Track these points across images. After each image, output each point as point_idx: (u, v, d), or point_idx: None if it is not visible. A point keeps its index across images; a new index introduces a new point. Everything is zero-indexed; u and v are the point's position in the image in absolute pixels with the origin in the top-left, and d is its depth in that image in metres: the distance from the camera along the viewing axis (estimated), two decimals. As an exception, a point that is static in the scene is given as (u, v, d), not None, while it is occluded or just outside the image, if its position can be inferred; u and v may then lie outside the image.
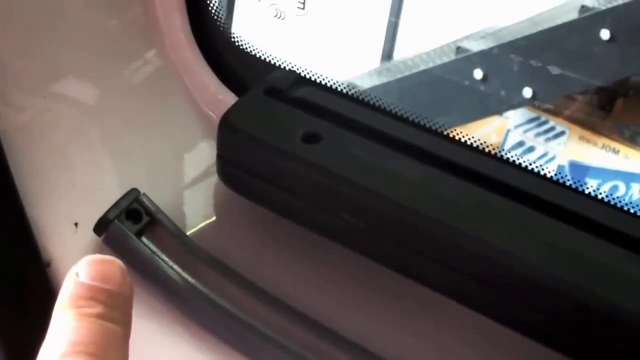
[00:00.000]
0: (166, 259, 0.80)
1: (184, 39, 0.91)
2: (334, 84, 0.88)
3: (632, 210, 0.75)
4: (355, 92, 0.86)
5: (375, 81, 2.16)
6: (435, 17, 2.30)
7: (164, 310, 0.79)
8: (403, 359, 0.75)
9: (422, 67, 2.16)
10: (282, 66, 0.91)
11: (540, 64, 2.08)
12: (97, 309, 0.52)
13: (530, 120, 2.25)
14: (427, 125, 0.85)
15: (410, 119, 0.86)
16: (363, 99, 0.86)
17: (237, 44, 0.93)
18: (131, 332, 0.55)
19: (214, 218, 0.88)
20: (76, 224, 0.83)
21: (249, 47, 0.93)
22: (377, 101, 0.86)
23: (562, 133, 2.22)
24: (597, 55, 2.03)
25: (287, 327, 0.76)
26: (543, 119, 2.26)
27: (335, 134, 0.79)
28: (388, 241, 0.75)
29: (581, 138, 2.21)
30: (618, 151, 2.18)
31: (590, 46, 2.03)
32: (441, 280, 0.75)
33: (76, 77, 0.89)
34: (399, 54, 2.33)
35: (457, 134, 0.83)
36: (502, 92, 2.11)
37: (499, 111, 2.22)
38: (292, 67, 0.90)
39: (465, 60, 2.13)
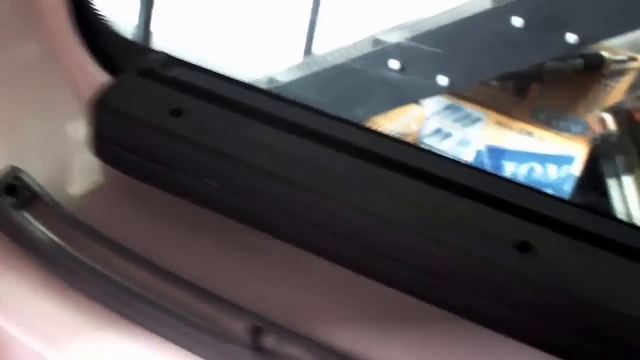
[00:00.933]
0: (46, 231, 0.84)
1: (62, 23, 0.93)
2: (204, 65, 0.92)
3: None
4: (224, 71, 0.91)
5: (295, 75, 2.20)
6: (355, 13, 2.35)
7: (46, 280, 0.83)
8: (260, 306, 0.79)
9: (341, 60, 2.20)
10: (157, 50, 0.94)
11: (454, 53, 2.13)
12: None
13: (447, 108, 2.29)
14: (295, 100, 0.89)
15: (278, 95, 0.91)
16: (231, 77, 0.91)
17: (114, 30, 0.97)
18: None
19: (91, 190, 0.92)
20: None
21: (125, 33, 0.97)
22: (246, 79, 0.93)
23: (478, 119, 2.27)
24: (510, 42, 2.09)
25: (163, 288, 0.80)
26: (459, 106, 2.30)
27: (201, 108, 0.84)
28: (249, 202, 0.81)
29: (497, 123, 2.26)
30: (533, 134, 2.24)
31: (503, 34, 2.08)
32: (290, 231, 0.81)
33: None
34: (320, 49, 2.38)
35: (321, 108, 0.88)
36: (418, 81, 2.16)
37: (416, 99, 2.27)
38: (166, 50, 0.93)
39: (381, 51, 2.17)
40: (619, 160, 2.19)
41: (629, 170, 2.19)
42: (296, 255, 0.81)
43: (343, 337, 0.77)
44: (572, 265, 0.72)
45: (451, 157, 0.82)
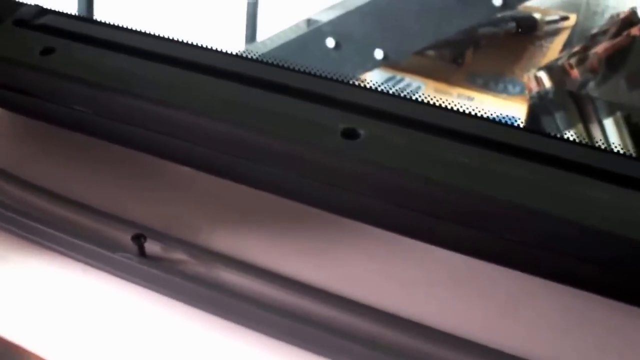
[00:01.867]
0: None
1: None
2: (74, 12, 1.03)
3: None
4: (90, 17, 0.99)
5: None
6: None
7: None
8: (143, 217, 0.88)
9: (279, 44, 2.26)
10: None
11: (386, 25, 2.18)
12: None
13: (387, 80, 2.35)
14: (154, 34, 0.97)
15: (139, 30, 0.97)
16: (97, 20, 1.00)
17: None
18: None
19: None
20: None
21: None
22: (106, 21, 0.99)
23: (418, 88, 2.32)
24: (437, 9, 2.14)
25: (46, 206, 0.90)
26: (399, 77, 2.36)
27: (67, 47, 0.94)
28: (113, 122, 0.90)
29: (436, 90, 2.31)
30: (473, 98, 2.29)
31: (431, 1, 2.14)
32: (158, 146, 0.90)
33: None
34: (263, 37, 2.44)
35: (180, 39, 0.95)
36: (355, 57, 2.21)
37: (355, 75, 2.31)
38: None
39: (316, 31, 2.24)
40: (559, 116, 2.23)
41: (571, 126, 2.23)
42: (170, 167, 0.91)
43: (219, 240, 0.85)
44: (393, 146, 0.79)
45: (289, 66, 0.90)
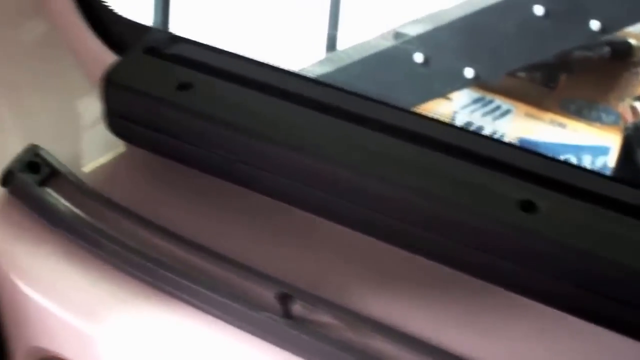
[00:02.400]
0: (67, 203, 0.86)
1: (67, 6, 0.96)
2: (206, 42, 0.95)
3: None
4: (225, 48, 0.93)
5: (318, 72, 2.18)
6: (376, 6, 2.33)
7: (74, 253, 0.86)
8: (288, 274, 0.81)
9: (363, 55, 2.18)
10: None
11: (478, 44, 2.11)
12: None
13: (476, 101, 2.28)
14: (298, 73, 0.90)
15: (280, 68, 0.91)
16: (233, 52, 0.92)
17: (114, 10, 0.99)
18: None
19: (106, 164, 0.94)
20: None
21: (125, 13, 0.99)
22: (244, 54, 0.93)
23: (508, 111, 2.26)
24: (533, 31, 2.06)
25: (177, 252, 0.83)
26: (488, 98, 2.29)
27: (206, 81, 0.87)
28: (257, 170, 0.83)
29: (527, 114, 2.25)
30: (565, 125, 2.21)
31: (525, 23, 2.06)
32: (303, 198, 0.82)
33: None
34: (343, 45, 2.36)
35: (323, 79, 0.89)
36: (444, 75, 2.14)
37: (443, 93, 2.25)
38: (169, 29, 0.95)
39: (404, 45, 2.16)
40: (655, 148, 2.14)
41: (668, 160, 2.15)
42: (320, 223, 0.83)
43: (371, 303, 0.79)
44: (573, 222, 0.74)
45: (459, 126, 0.84)
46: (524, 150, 0.82)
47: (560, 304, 0.74)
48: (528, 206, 0.73)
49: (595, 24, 2.01)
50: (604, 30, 2.04)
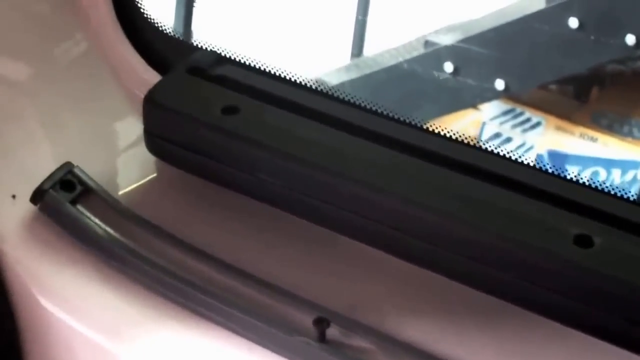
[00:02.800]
0: (99, 222, 0.85)
1: (109, 22, 0.96)
2: (252, 62, 0.93)
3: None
4: (273, 69, 0.91)
5: (344, 78, 2.15)
6: (404, 13, 2.29)
7: (105, 273, 0.84)
8: (324, 298, 0.79)
9: (392, 63, 2.14)
10: (203, 47, 0.94)
11: (510, 55, 2.07)
12: None
13: (506, 112, 2.25)
14: (348, 99, 0.89)
15: (329, 93, 0.90)
16: (280, 74, 0.91)
17: (160, 28, 0.98)
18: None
19: (143, 184, 0.93)
20: (14, 196, 0.88)
21: (170, 30, 0.98)
22: (296, 78, 0.91)
23: (538, 124, 2.22)
24: (567, 44, 2.03)
25: (212, 274, 0.81)
26: (518, 110, 2.26)
27: (252, 106, 0.85)
28: (302, 196, 0.82)
29: (558, 128, 2.21)
30: (597, 139, 2.18)
31: (559, 35, 2.03)
32: (344, 224, 0.81)
33: (8, 56, 0.95)
34: (368, 51, 2.33)
35: (373, 106, 0.88)
36: (474, 85, 2.10)
37: (472, 104, 2.22)
38: (213, 48, 0.94)
39: (434, 54, 2.13)
40: (687, 166, 2.12)
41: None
42: (357, 247, 0.82)
43: (407, 328, 0.77)
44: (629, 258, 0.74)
45: (514, 158, 0.82)
46: (575, 182, 0.80)
47: (617, 340, 0.73)
48: (583, 241, 0.73)
49: (630, 39, 1.98)
50: (638, 45, 2.00)
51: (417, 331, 0.77)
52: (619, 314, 0.72)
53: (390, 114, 0.86)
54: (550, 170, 0.81)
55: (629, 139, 2.18)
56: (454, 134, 0.84)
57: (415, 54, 2.16)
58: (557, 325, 0.74)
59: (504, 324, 0.78)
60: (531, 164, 0.81)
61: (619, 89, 2.26)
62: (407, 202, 0.78)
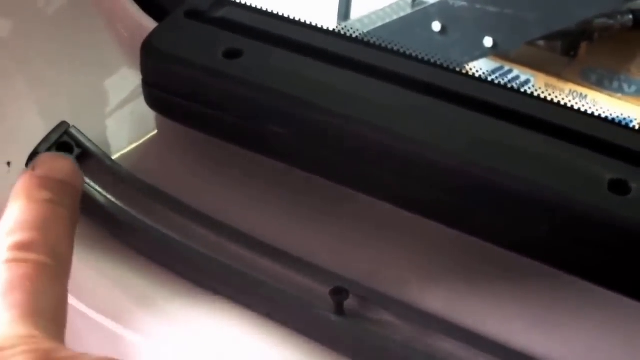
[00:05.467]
0: (99, 188, 0.80)
1: None
2: (252, 3, 0.86)
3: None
4: (274, 11, 0.85)
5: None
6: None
7: (100, 237, 0.79)
8: (341, 266, 0.73)
9: (379, 24, 2.13)
10: None
11: (498, 12, 2.06)
12: (47, 194, 0.60)
13: (494, 70, 2.24)
14: (355, 36, 0.82)
15: (339, 31, 0.83)
16: (282, 15, 0.84)
17: None
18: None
19: (143, 143, 0.88)
20: (9, 163, 0.83)
21: None
22: (297, 17, 0.84)
23: (527, 81, 2.22)
24: (555, -2, 2.02)
25: (222, 243, 0.76)
26: (507, 68, 2.25)
27: (256, 48, 0.81)
28: (315, 147, 0.75)
29: (547, 85, 2.20)
30: (586, 96, 2.17)
31: (548, -11, 2.02)
32: (371, 182, 0.74)
33: None
34: (356, 14, 2.31)
35: (384, 43, 0.80)
36: (463, 44, 2.10)
37: (461, 63, 2.19)
38: None
39: (422, 12, 2.12)
40: (677, 120, 2.11)
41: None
42: (381, 209, 0.74)
43: (430, 298, 0.71)
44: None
45: (542, 97, 0.74)
46: (613, 122, 0.72)
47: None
48: (619, 187, 0.65)
49: (619, -10, 1.96)
50: (627, -4, 1.98)
51: (442, 301, 0.71)
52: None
53: (408, 52, 0.79)
54: (581, 109, 0.73)
55: (619, 95, 2.17)
56: (484, 74, 0.79)
57: (402, 14, 2.14)
58: (593, 287, 0.68)
59: (533, 289, 0.72)
60: (561, 102, 0.74)
61: (608, 44, 2.25)
62: (436, 151, 0.69)
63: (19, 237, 0.57)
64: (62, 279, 0.60)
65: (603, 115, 0.71)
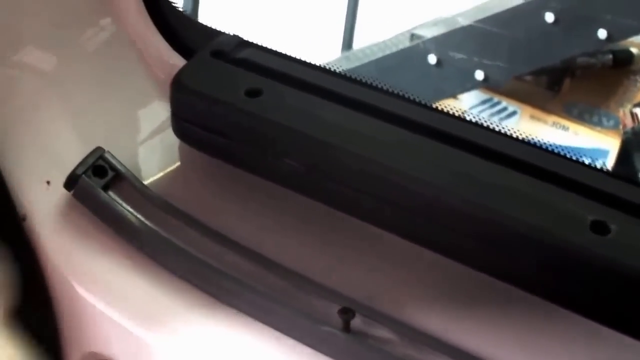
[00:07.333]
0: (130, 209, 0.86)
1: (135, 8, 0.96)
2: (271, 46, 0.93)
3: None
4: (291, 53, 0.92)
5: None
6: (392, 7, 2.37)
7: (130, 255, 0.85)
8: (348, 287, 0.80)
9: (379, 55, 2.24)
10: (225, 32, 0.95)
11: (490, 48, 2.17)
12: None
13: (484, 102, 2.34)
14: (365, 81, 0.90)
15: (349, 76, 0.92)
16: (300, 59, 0.91)
17: (184, 13, 1.01)
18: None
19: (171, 170, 0.93)
20: (48, 182, 0.88)
21: (195, 16, 1.00)
22: (310, 61, 0.92)
23: (514, 112, 2.31)
24: (543, 37, 2.13)
25: (246, 266, 0.82)
26: (496, 99, 2.35)
27: (275, 88, 0.86)
28: (326, 180, 0.82)
29: (532, 117, 2.30)
30: (568, 128, 2.27)
31: (536, 29, 2.13)
32: (374, 212, 0.81)
33: (35, 45, 0.94)
34: (358, 44, 2.40)
35: (390, 88, 0.89)
36: (456, 76, 2.20)
37: (454, 94, 2.30)
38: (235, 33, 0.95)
39: (419, 46, 2.22)
40: (653, 154, 2.21)
41: (663, 165, 2.21)
42: (384, 237, 0.81)
43: (430, 319, 0.78)
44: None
45: (531, 142, 0.82)
46: (594, 168, 0.79)
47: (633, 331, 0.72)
48: (600, 227, 0.72)
49: (602, 33, 2.09)
50: (610, 39, 2.11)
51: (438, 322, 0.77)
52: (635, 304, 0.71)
53: (411, 97, 0.86)
54: (567, 156, 0.80)
55: (598, 128, 2.27)
56: (480, 121, 0.83)
57: (401, 46, 2.26)
58: (577, 317, 0.73)
59: (523, 314, 0.77)
60: (549, 149, 0.81)
61: (590, 81, 2.35)
62: (434, 188, 0.77)
63: None
64: None
65: (587, 162, 0.79)
